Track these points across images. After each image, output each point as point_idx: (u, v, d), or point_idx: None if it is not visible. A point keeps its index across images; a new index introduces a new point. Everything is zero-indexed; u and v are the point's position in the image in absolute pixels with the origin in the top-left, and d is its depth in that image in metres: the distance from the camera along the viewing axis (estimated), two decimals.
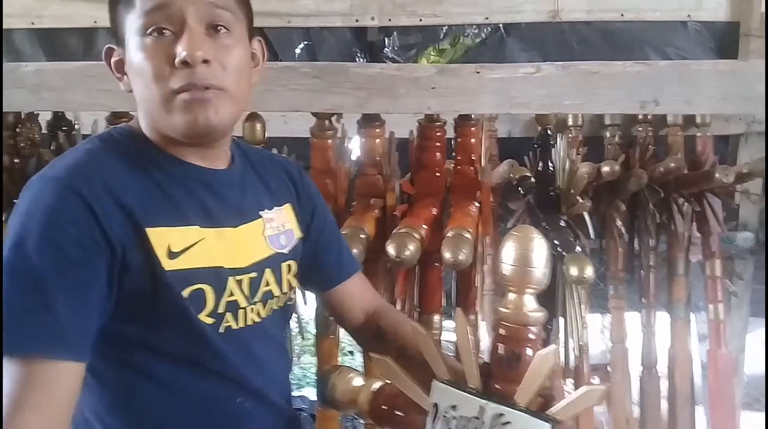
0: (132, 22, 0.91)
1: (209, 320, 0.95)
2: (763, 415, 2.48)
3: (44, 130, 1.96)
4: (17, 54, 2.52)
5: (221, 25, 0.93)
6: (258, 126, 1.76)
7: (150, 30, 0.90)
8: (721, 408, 2.23)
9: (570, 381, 2.14)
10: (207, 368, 0.96)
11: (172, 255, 0.91)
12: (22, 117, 1.88)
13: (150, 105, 0.93)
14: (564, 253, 1.57)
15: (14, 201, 1.61)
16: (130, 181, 0.91)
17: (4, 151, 1.84)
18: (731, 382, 2.25)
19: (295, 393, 3.47)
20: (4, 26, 2.48)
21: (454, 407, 0.78)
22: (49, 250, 0.83)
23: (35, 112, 1.90)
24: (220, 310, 0.96)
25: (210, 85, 0.91)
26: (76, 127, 1.95)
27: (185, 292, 0.92)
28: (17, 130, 1.85)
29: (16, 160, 1.86)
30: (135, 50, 0.92)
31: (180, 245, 0.92)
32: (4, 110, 1.81)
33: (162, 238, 0.91)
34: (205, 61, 0.90)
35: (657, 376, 2.34)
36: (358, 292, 1.22)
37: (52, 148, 1.90)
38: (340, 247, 1.22)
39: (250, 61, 1.00)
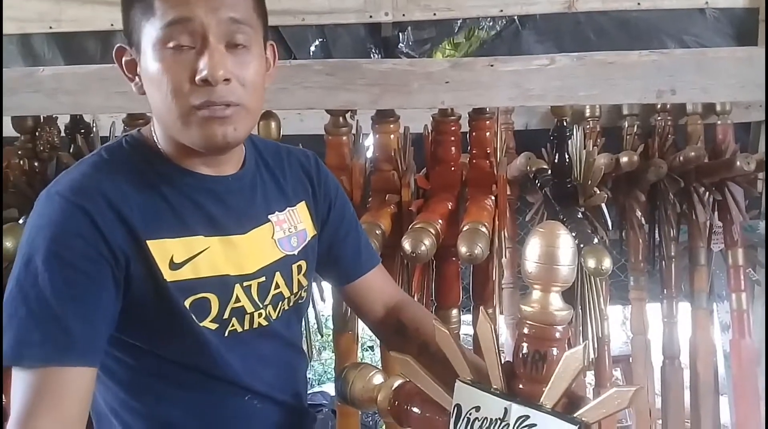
0: (150, 31, 0.90)
1: (213, 325, 0.96)
2: None
3: (63, 133, 1.97)
4: (36, 58, 2.53)
5: (240, 41, 0.92)
6: (273, 124, 1.77)
7: (170, 43, 0.89)
8: (744, 398, 2.21)
9: (590, 373, 2.14)
10: (213, 373, 0.98)
11: (174, 266, 0.93)
12: (41, 121, 1.89)
13: (167, 116, 0.93)
14: (582, 245, 1.56)
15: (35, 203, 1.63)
16: (133, 195, 0.92)
17: (23, 154, 1.86)
18: (755, 371, 2.24)
19: (315, 389, 3.49)
20: (23, 31, 2.50)
21: (477, 408, 0.77)
22: (56, 263, 0.86)
23: (54, 116, 1.91)
24: (225, 316, 0.97)
25: (229, 103, 0.91)
26: (94, 129, 1.96)
27: (187, 302, 0.94)
28: (36, 133, 1.86)
29: (35, 164, 1.87)
30: (152, 60, 0.90)
31: (183, 256, 0.94)
32: (22, 115, 1.83)
33: (164, 250, 0.92)
34: (226, 80, 0.90)
35: (680, 367, 2.32)
36: (378, 286, 1.21)
37: (71, 150, 1.91)
38: (358, 241, 1.21)
39: (265, 71, 0.99)
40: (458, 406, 0.79)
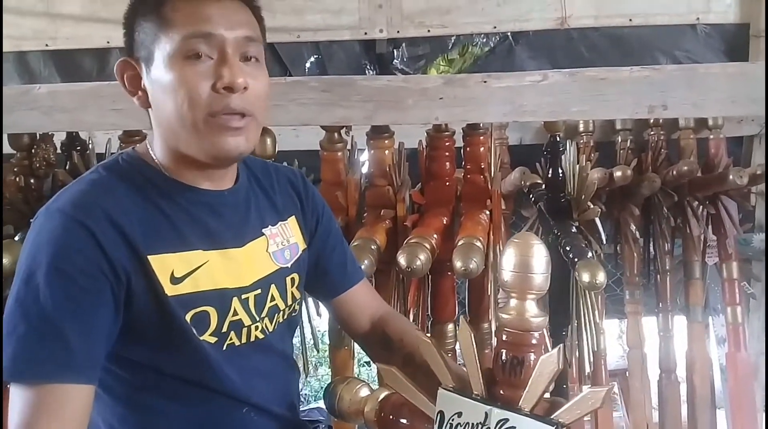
0: (167, 43, 0.93)
1: (212, 339, 0.98)
2: None
3: (59, 151, 1.98)
4: (32, 76, 2.56)
5: (253, 56, 0.97)
6: (268, 140, 1.78)
7: (189, 54, 0.92)
8: (741, 411, 2.21)
9: (587, 388, 2.13)
10: (211, 387, 0.99)
11: (175, 280, 0.94)
12: (37, 138, 1.91)
13: (178, 126, 0.95)
14: (576, 260, 1.57)
15: (30, 220, 1.63)
16: (133, 210, 0.94)
17: (19, 171, 1.87)
18: (751, 385, 2.23)
19: (312, 405, 3.48)
20: (19, 49, 2.54)
21: (459, 414, 0.79)
22: (58, 279, 0.87)
23: (50, 133, 1.93)
24: (224, 329, 0.99)
25: (245, 111, 0.94)
26: (89, 146, 1.98)
27: (188, 316, 0.95)
28: (33, 150, 1.88)
29: (32, 181, 1.89)
30: (167, 71, 0.93)
31: (183, 270, 0.95)
32: (18, 132, 1.84)
33: (164, 265, 0.94)
34: (244, 89, 0.93)
35: (676, 381, 2.32)
36: (363, 299, 1.23)
37: (67, 167, 1.92)
38: (344, 255, 1.23)
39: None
40: (441, 412, 0.81)
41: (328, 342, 1.82)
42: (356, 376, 1.81)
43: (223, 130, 0.93)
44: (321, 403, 3.48)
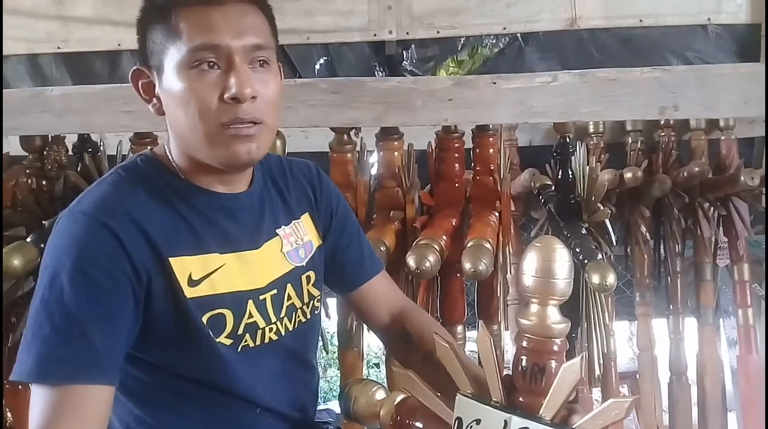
0: (175, 53, 0.93)
1: (228, 341, 0.98)
2: None
3: (70, 152, 1.99)
4: (44, 78, 2.57)
5: (263, 61, 0.96)
6: (278, 142, 1.78)
7: (196, 65, 0.92)
8: (753, 414, 2.19)
9: (597, 390, 2.13)
10: (226, 388, 1.00)
11: (192, 283, 0.95)
12: (49, 140, 1.91)
13: (190, 136, 0.95)
14: (586, 261, 1.56)
15: (43, 222, 1.63)
16: (154, 212, 0.95)
17: (31, 173, 1.88)
18: (763, 387, 2.21)
19: (321, 406, 3.47)
20: (31, 51, 2.54)
21: (478, 421, 0.78)
22: (81, 280, 0.87)
23: (62, 135, 1.94)
24: (240, 331, 0.99)
25: (255, 120, 0.94)
26: (101, 148, 1.98)
27: (205, 318, 0.96)
28: (44, 152, 1.89)
29: (43, 182, 1.89)
30: (177, 81, 0.93)
31: (200, 273, 0.96)
32: (31, 134, 1.85)
33: (183, 267, 0.95)
34: (252, 98, 0.93)
35: (687, 384, 2.30)
36: (382, 291, 1.23)
37: (78, 169, 1.92)
38: (361, 247, 1.23)
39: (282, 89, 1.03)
40: (459, 419, 0.80)
41: (337, 344, 1.82)
42: (365, 377, 1.80)
43: (235, 139, 0.94)
44: (330, 405, 3.48)
